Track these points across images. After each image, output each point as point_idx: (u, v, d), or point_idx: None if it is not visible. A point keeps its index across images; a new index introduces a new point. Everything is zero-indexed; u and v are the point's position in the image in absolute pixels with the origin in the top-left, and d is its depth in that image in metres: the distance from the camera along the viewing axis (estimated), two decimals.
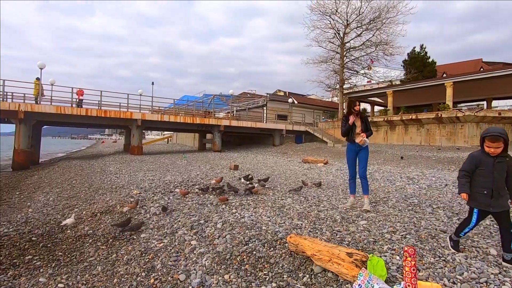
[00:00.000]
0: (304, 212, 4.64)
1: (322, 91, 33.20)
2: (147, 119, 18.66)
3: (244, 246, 3.36)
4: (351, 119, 4.68)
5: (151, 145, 33.76)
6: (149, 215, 4.86)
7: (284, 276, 2.72)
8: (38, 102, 16.17)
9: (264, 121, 25.18)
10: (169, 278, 2.89)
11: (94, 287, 2.90)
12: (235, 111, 27.51)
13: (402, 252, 2.94)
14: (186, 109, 25.28)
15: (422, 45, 27.68)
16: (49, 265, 3.45)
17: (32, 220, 5.27)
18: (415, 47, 27.78)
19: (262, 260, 3.02)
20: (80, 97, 17.54)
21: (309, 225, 3.98)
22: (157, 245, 3.67)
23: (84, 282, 3.00)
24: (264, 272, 2.81)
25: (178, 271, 2.98)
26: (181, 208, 5.11)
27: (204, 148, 24.88)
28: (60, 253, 3.76)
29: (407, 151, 15.78)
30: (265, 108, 26.96)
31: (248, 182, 7.37)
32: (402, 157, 13.08)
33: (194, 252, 3.36)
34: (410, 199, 5.54)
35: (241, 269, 2.90)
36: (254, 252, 3.18)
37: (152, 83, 28.31)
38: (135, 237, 4.01)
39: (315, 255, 2.72)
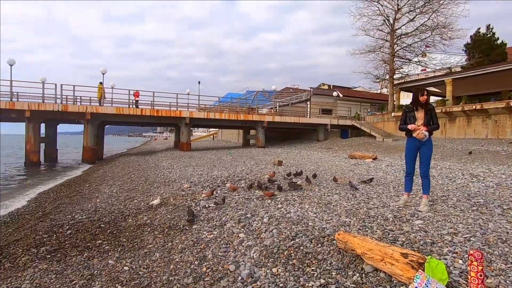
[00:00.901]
0: (352, 209, 4.49)
1: (370, 82, 31.37)
2: (195, 116, 19.62)
3: (291, 241, 3.38)
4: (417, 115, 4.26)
5: (198, 142, 35.44)
6: (199, 207, 5.14)
7: (333, 273, 2.68)
8: (102, 104, 18.01)
9: (308, 116, 24.73)
10: (219, 267, 3.04)
11: (154, 271, 3.18)
12: (278, 106, 27.48)
13: (466, 255, 2.69)
14: (230, 106, 25.98)
15: (489, 25, 24.42)
16: (115, 249, 3.87)
17: (100, 209, 5.94)
18: (479, 29, 24.63)
19: (310, 256, 3.01)
20: (136, 98, 19.09)
21: (358, 223, 3.84)
22: (207, 236, 3.88)
23: (145, 267, 3.30)
24: (312, 268, 2.80)
25: (228, 262, 3.12)
26: (228, 202, 5.30)
27: (248, 144, 25.34)
28: (124, 240, 4.19)
29: (470, 145, 14.19)
30: (308, 102, 26.46)
31: (293, 178, 7.35)
32: (470, 152, 11.79)
33: (242, 244, 3.48)
34: (474, 199, 5.00)
35: (289, 263, 2.92)
36: (301, 248, 3.18)
37: (199, 83, 29.62)
38: (187, 228, 4.28)
39: (366, 253, 2.63)
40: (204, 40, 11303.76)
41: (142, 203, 5.98)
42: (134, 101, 19.00)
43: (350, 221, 3.90)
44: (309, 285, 2.54)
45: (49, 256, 3.76)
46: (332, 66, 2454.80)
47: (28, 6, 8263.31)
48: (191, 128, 27.80)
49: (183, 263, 3.27)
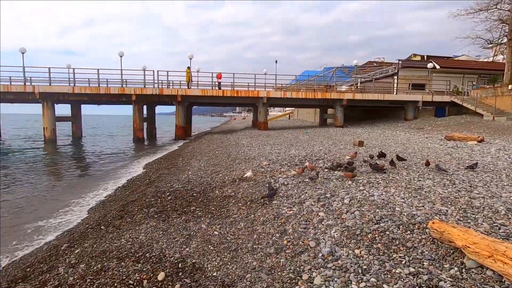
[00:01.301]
0: (449, 197, 3.96)
1: (479, 49, 25.89)
2: (271, 96, 19.90)
3: (375, 224, 3.22)
4: None
5: (275, 121, 36.06)
6: (278, 184, 5.33)
7: (425, 263, 2.47)
8: (189, 87, 19.89)
9: (394, 92, 22.22)
10: (300, 242, 3.15)
11: (239, 238, 3.51)
12: (359, 83, 25.45)
13: None
14: (307, 85, 25.30)
15: None
16: (206, 216, 4.38)
17: (192, 180, 6.75)
18: None
19: (397, 242, 2.83)
20: (219, 80, 20.37)
21: (457, 212, 3.38)
22: (287, 212, 4.02)
23: (232, 234, 3.66)
24: (400, 255, 2.63)
25: (308, 238, 3.20)
26: (307, 181, 5.33)
27: (325, 123, 24.51)
28: (213, 208, 4.70)
29: None
30: (395, 77, 23.64)
31: (376, 160, 6.85)
32: None
33: (322, 223, 3.49)
34: None
35: (373, 247, 2.82)
36: (387, 233, 3.01)
37: (276, 62, 29.51)
38: (267, 203, 4.51)
39: (469, 247, 2.32)
40: (280, 17, 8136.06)
41: (226, 177, 6.54)
42: (217, 83, 20.33)
43: (446, 210, 3.47)
44: (396, 271, 2.41)
45: (156, 216, 4.53)
46: (426, 34, 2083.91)
47: (131, 5, 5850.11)
48: (268, 108, 28.36)
49: (265, 234, 3.50)
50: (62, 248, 3.94)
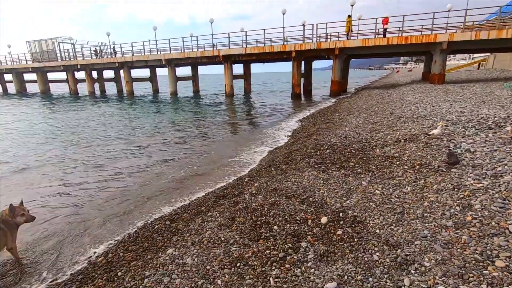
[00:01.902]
0: None
1: None
2: (456, 39, 15.56)
3: None
4: None
5: (454, 73, 28.58)
6: (460, 150, 4.37)
7: None
8: (349, 38, 18.55)
9: None
10: (492, 223, 2.56)
11: (405, 202, 3.24)
12: None
13: None
14: None
15: None
16: (366, 173, 4.27)
17: (349, 136, 6.63)
18: None
19: None
20: (385, 26, 17.80)
21: None
22: (473, 184, 3.29)
23: (396, 196, 3.43)
24: None
25: (506, 220, 2.54)
26: (508, 149, 4.07)
27: None
28: (373, 167, 4.50)
29: None
30: None
31: None
32: None
33: None
34: None
35: None
36: None
37: None
38: (444, 170, 3.84)
39: None
40: None
41: (389, 137, 5.98)
42: (382, 30, 17.87)
43: None
44: None
45: (316, 166, 4.85)
46: None
47: None
48: (447, 55, 22.61)
49: (439, 204, 3.06)
50: (245, 180, 5.00)
